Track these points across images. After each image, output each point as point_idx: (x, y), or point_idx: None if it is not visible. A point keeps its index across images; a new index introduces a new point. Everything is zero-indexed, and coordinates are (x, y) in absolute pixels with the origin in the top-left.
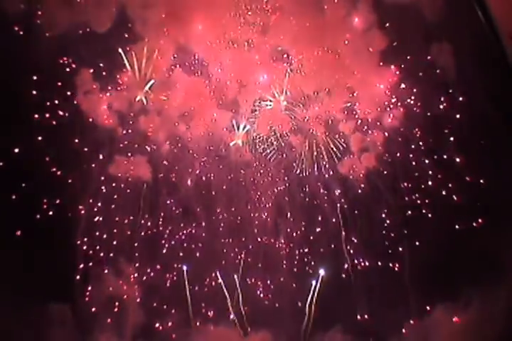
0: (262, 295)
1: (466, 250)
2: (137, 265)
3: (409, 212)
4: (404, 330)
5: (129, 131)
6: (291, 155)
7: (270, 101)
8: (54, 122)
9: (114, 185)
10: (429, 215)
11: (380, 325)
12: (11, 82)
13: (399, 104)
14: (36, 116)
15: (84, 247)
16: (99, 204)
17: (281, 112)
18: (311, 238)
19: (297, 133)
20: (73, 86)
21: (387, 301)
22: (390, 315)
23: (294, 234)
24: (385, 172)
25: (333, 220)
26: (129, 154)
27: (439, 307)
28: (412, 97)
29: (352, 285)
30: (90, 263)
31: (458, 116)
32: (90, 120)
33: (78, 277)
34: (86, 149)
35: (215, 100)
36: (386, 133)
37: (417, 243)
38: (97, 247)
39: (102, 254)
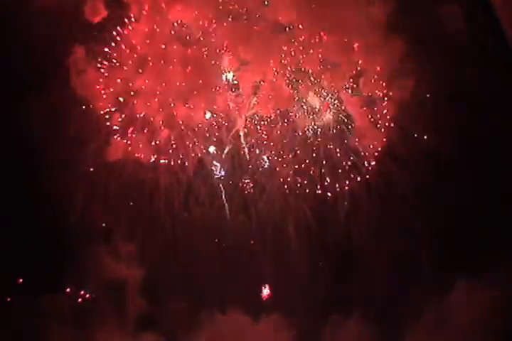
0: None
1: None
2: (137, 246)
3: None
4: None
5: (126, 113)
6: (295, 134)
7: (272, 78)
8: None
9: (111, 170)
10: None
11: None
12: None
13: (407, 76)
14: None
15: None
16: (97, 188)
17: (284, 90)
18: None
19: (301, 110)
20: (66, 66)
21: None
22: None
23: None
24: (395, 147)
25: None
26: (127, 137)
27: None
28: (422, 68)
29: None
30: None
31: (469, 86)
32: (85, 102)
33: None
34: (82, 133)
35: (214, 79)
36: (395, 107)
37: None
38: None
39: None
